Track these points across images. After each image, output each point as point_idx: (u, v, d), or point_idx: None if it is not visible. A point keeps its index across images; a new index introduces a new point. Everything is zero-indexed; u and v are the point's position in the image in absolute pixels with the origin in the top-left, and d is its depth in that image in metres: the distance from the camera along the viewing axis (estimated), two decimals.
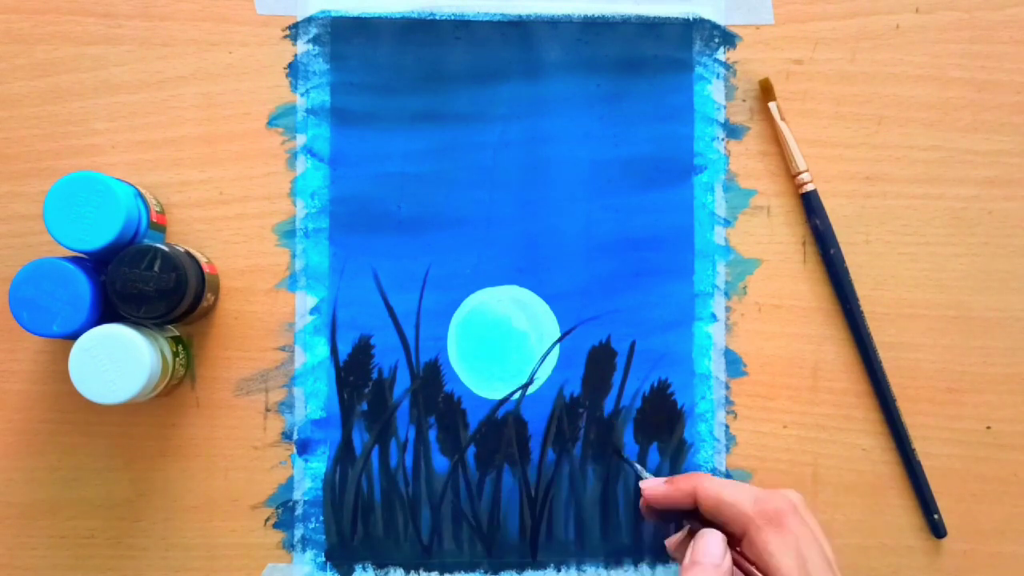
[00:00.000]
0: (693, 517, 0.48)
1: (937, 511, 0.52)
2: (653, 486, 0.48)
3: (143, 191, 0.49)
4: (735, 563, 0.44)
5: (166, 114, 0.51)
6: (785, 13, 0.53)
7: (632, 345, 0.52)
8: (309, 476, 0.51)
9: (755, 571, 0.43)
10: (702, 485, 0.46)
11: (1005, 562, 0.52)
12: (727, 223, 0.53)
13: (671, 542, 0.49)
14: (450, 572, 0.52)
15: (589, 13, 0.52)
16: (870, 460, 0.52)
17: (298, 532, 0.51)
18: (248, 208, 0.52)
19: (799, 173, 0.52)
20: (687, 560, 0.44)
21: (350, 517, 0.51)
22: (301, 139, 0.52)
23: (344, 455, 0.52)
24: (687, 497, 0.47)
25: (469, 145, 0.52)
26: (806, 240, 0.53)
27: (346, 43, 0.52)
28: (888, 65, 0.53)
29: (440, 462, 0.52)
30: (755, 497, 0.45)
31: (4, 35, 0.51)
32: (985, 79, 0.53)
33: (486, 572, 0.52)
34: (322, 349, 0.52)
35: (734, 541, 0.45)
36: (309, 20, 0.52)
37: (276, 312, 0.52)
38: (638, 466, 0.51)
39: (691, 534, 0.47)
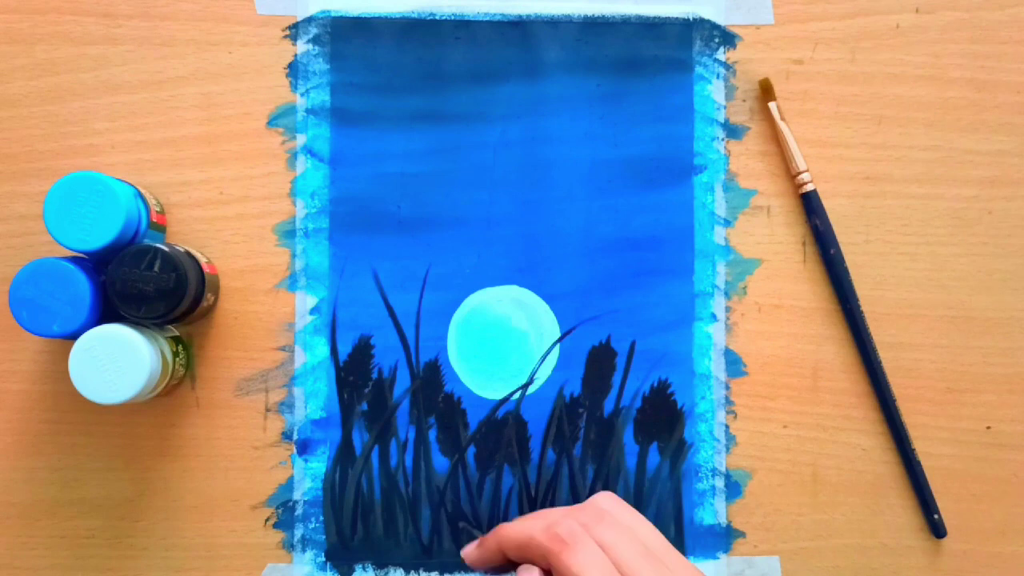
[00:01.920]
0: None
1: (937, 511, 0.52)
2: (468, 552, 0.47)
3: (143, 191, 0.49)
4: None
5: (166, 114, 0.51)
6: (785, 13, 0.53)
7: (632, 345, 0.52)
8: (309, 476, 0.51)
9: None
10: (503, 536, 0.45)
11: (1005, 562, 0.52)
12: (727, 223, 0.53)
13: (467, 553, 0.48)
14: (450, 572, 0.52)
15: (589, 13, 0.52)
16: (870, 460, 0.52)
17: (298, 532, 0.51)
18: (248, 208, 0.52)
19: (799, 173, 0.52)
20: None
21: (350, 517, 0.52)
22: (301, 139, 0.52)
23: (344, 455, 0.52)
24: (497, 554, 0.45)
25: (469, 145, 0.52)
26: (806, 240, 0.53)
27: (346, 43, 0.52)
28: (888, 65, 0.53)
29: (440, 462, 0.52)
30: (546, 525, 0.43)
31: (4, 35, 0.51)
32: (985, 79, 0.53)
33: (486, 572, 0.52)
34: (322, 349, 0.52)
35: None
36: (309, 20, 0.52)
37: (276, 312, 0.52)
38: (471, 530, 0.51)
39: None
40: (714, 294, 0.52)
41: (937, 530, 0.52)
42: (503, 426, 0.52)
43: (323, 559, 0.51)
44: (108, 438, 0.51)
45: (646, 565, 0.42)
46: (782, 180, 0.53)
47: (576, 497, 0.52)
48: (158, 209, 0.50)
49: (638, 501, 0.52)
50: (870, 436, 0.52)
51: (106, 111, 0.51)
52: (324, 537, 0.51)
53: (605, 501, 0.45)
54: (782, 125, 0.52)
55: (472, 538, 0.50)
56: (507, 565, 0.46)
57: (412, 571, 0.52)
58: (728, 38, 0.53)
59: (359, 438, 0.52)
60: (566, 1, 0.52)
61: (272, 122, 0.52)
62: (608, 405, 0.52)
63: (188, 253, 0.48)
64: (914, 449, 0.52)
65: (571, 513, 0.44)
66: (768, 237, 0.53)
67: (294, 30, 0.52)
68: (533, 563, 0.44)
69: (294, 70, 0.52)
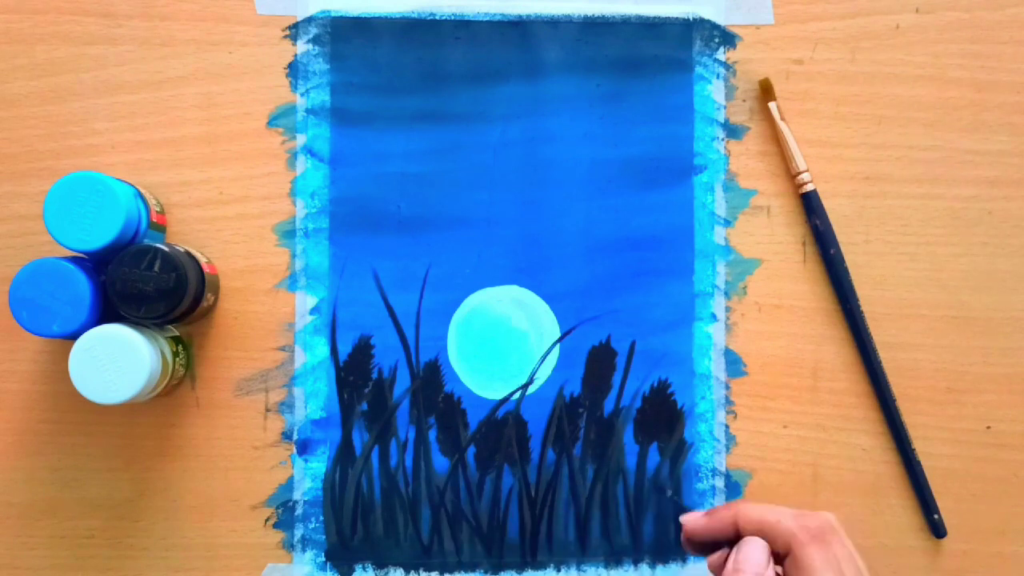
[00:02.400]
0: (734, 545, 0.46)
1: (937, 511, 0.52)
2: (693, 520, 0.46)
3: (143, 191, 0.49)
4: None
5: (166, 114, 0.51)
6: (785, 13, 0.53)
7: (632, 345, 0.52)
8: (309, 476, 0.51)
9: None
10: (743, 512, 0.45)
11: (1005, 562, 0.52)
12: (727, 223, 0.53)
13: (714, 561, 0.47)
14: (450, 572, 0.52)
15: (589, 13, 0.52)
16: (870, 460, 0.52)
17: (298, 532, 0.51)
18: (248, 208, 0.52)
19: (799, 173, 0.52)
20: (729, 567, 0.43)
21: (350, 517, 0.52)
22: (301, 139, 0.52)
23: (344, 455, 0.52)
24: (728, 527, 0.45)
25: (469, 145, 0.52)
26: (806, 240, 0.53)
27: (346, 43, 0.52)
28: (888, 65, 0.53)
29: (440, 462, 0.52)
30: (796, 514, 0.44)
31: (4, 35, 0.51)
32: (985, 79, 0.53)
33: (486, 572, 0.52)
34: (322, 349, 0.52)
35: (776, 559, 0.44)
36: (309, 20, 0.52)
37: (276, 312, 0.52)
38: (677, 499, 0.51)
39: (730, 546, 0.46)
40: (714, 294, 0.52)
41: (937, 530, 0.52)
42: (503, 426, 0.52)
43: (323, 559, 0.51)
44: (108, 438, 0.51)
45: None
46: (782, 180, 0.53)
47: (576, 497, 0.52)
48: (158, 209, 0.50)
49: (638, 501, 0.52)
50: (870, 436, 0.52)
51: (106, 111, 0.51)
52: (324, 537, 0.51)
53: (834, 518, 0.45)
54: (782, 125, 0.52)
55: (679, 505, 0.50)
56: (716, 544, 0.46)
57: (412, 571, 0.52)
58: (728, 38, 0.53)
59: (359, 438, 0.52)
60: (566, 1, 0.52)
61: (272, 122, 0.52)
62: (608, 405, 0.52)
63: (188, 253, 0.48)
64: (914, 449, 0.52)
65: (808, 515, 0.44)
66: (768, 237, 0.53)
67: (294, 30, 0.52)
68: (773, 546, 0.44)
69: (294, 70, 0.52)
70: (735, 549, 0.44)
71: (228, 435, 0.51)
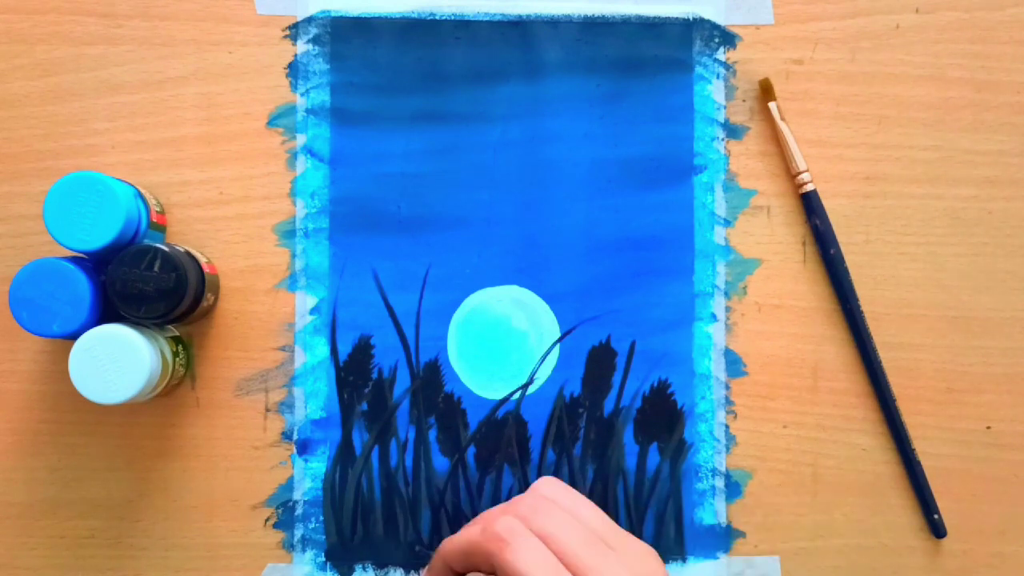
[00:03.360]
0: None
1: (937, 511, 0.52)
2: None
3: (143, 191, 0.49)
4: None
5: (166, 114, 0.51)
6: (785, 13, 0.53)
7: (632, 345, 0.52)
8: (309, 476, 0.51)
9: None
10: (443, 552, 0.44)
11: (1005, 562, 0.52)
12: (727, 223, 0.53)
13: None
14: None
15: (589, 13, 0.52)
16: (870, 460, 0.52)
17: (298, 532, 0.51)
18: (248, 208, 0.52)
19: (799, 173, 0.52)
20: None
21: (350, 517, 0.52)
22: (301, 139, 0.52)
23: (344, 455, 0.52)
24: (447, 572, 0.44)
25: (469, 145, 0.52)
26: (806, 240, 0.53)
27: (346, 43, 0.52)
28: (888, 65, 0.53)
29: (440, 462, 0.52)
30: (484, 526, 0.42)
31: (4, 35, 0.51)
32: (985, 79, 0.53)
33: (486, 573, 0.52)
34: (322, 349, 0.52)
35: None
36: (309, 20, 0.52)
37: (276, 312, 0.52)
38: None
39: None
40: (714, 294, 0.52)
41: (937, 530, 0.52)
42: (503, 426, 0.52)
43: (323, 559, 0.51)
44: (108, 438, 0.51)
45: (590, 551, 0.40)
46: (782, 180, 0.53)
47: None
48: (158, 209, 0.50)
49: (638, 501, 0.52)
50: (870, 436, 0.52)
51: (106, 111, 0.51)
52: (324, 537, 0.51)
53: (546, 487, 0.44)
54: (782, 125, 0.52)
55: (426, 562, 0.48)
56: None
57: (412, 571, 0.52)
58: (728, 38, 0.53)
59: (359, 438, 0.52)
60: (566, 1, 0.52)
61: (272, 122, 0.52)
62: (608, 405, 0.52)
63: (188, 253, 0.48)
64: (914, 449, 0.52)
65: (509, 508, 0.43)
66: (768, 237, 0.53)
67: (294, 30, 0.52)
68: (479, 571, 0.42)
69: (294, 70, 0.52)
70: None
71: (228, 435, 0.51)
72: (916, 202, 0.53)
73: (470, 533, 0.42)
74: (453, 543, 0.43)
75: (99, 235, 0.46)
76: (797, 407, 0.52)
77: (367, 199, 0.52)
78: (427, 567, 0.46)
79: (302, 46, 0.52)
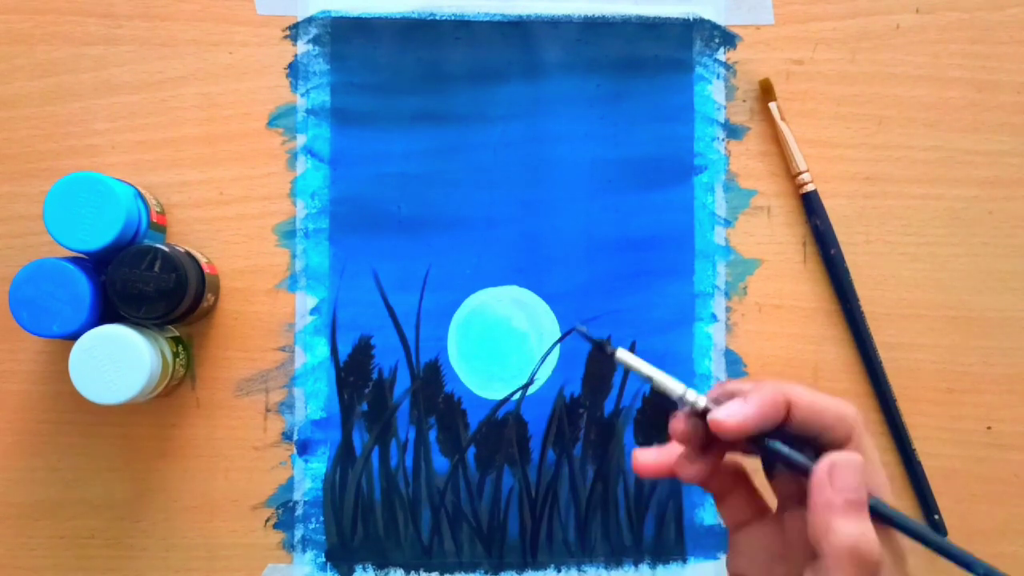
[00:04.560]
0: (788, 453, 0.38)
1: (937, 511, 0.52)
2: (740, 413, 0.36)
3: (143, 191, 0.49)
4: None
5: (166, 114, 0.51)
6: (785, 13, 0.53)
7: (632, 345, 0.52)
8: (309, 476, 0.51)
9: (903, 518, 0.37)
10: (796, 396, 0.37)
11: (1005, 562, 0.52)
12: (727, 223, 0.53)
13: (649, 467, 0.40)
14: (450, 573, 0.52)
15: (589, 13, 0.52)
16: None
17: (298, 532, 0.51)
18: (248, 208, 0.51)
19: (799, 173, 0.52)
20: (831, 500, 0.36)
21: (350, 517, 0.51)
22: (301, 139, 0.52)
23: (344, 455, 0.52)
24: (778, 413, 0.37)
25: (469, 145, 0.52)
26: (806, 240, 0.53)
27: (346, 43, 0.52)
28: (888, 65, 0.53)
29: (440, 462, 0.52)
30: (844, 401, 0.38)
31: (4, 35, 0.51)
32: (985, 79, 0.53)
33: (486, 573, 0.52)
34: (322, 349, 0.52)
35: (830, 448, 0.38)
36: (309, 20, 0.52)
37: (276, 312, 0.52)
38: (662, 377, 0.39)
39: (770, 466, 0.39)
40: (714, 294, 0.52)
41: (937, 530, 0.52)
42: (503, 426, 0.52)
43: (323, 559, 0.51)
44: (108, 438, 0.51)
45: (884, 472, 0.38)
46: (782, 180, 0.53)
47: (577, 497, 0.52)
48: (158, 209, 0.50)
49: (638, 501, 0.52)
50: (870, 436, 0.52)
51: (106, 111, 0.51)
52: (324, 537, 0.51)
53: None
54: (782, 125, 0.52)
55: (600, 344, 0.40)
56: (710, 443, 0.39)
57: (412, 571, 0.52)
58: (728, 38, 0.53)
59: (359, 438, 0.52)
60: (566, 1, 0.52)
61: (272, 122, 0.52)
62: (608, 405, 0.52)
63: (188, 253, 0.48)
64: (914, 449, 0.52)
65: (846, 403, 0.38)
66: (768, 237, 0.53)
67: (294, 30, 0.52)
68: (816, 436, 0.37)
69: (294, 70, 0.52)
70: (828, 476, 0.36)
71: (228, 435, 0.51)
72: (916, 202, 0.53)
73: (835, 403, 0.38)
74: (808, 396, 0.38)
75: (99, 235, 0.45)
76: None
77: (367, 199, 0.52)
78: (740, 383, 0.38)
79: (302, 46, 0.52)
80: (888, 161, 0.53)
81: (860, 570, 0.35)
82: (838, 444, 0.38)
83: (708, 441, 0.38)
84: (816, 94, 0.53)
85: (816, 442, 0.38)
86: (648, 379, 0.38)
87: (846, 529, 0.35)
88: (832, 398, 0.38)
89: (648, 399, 0.52)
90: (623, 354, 0.39)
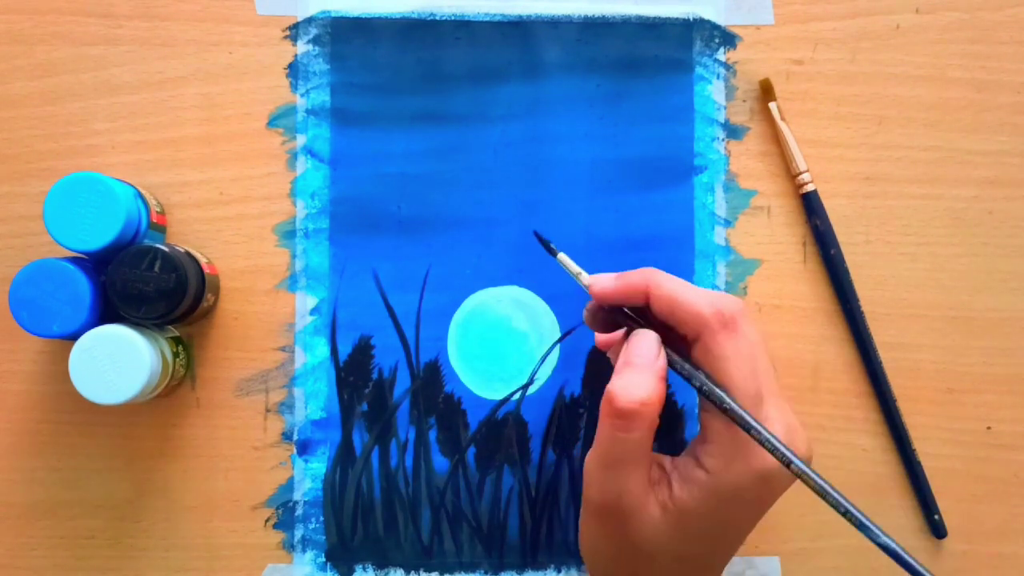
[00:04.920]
0: (639, 319, 0.44)
1: (937, 511, 0.52)
2: (604, 283, 0.43)
3: (143, 191, 0.49)
4: (673, 366, 0.42)
5: (166, 114, 0.51)
6: (785, 13, 0.53)
7: None
8: (309, 476, 0.51)
9: (696, 374, 0.41)
10: (655, 282, 0.42)
11: (1005, 562, 0.52)
12: (727, 223, 0.53)
13: (604, 341, 0.47)
14: (450, 573, 0.52)
15: (589, 13, 0.52)
16: (870, 460, 0.52)
17: (298, 532, 0.51)
18: (248, 208, 0.52)
19: (799, 173, 0.52)
20: (620, 361, 0.42)
21: (350, 517, 0.51)
22: (301, 139, 0.52)
23: (344, 455, 0.52)
24: (639, 294, 0.43)
25: (469, 145, 0.52)
26: (806, 240, 0.53)
27: (346, 43, 0.52)
28: (888, 65, 0.53)
29: (440, 462, 0.52)
30: (708, 298, 0.42)
31: (4, 35, 0.51)
32: (985, 79, 0.53)
33: (486, 573, 0.52)
34: (322, 349, 0.52)
35: (685, 344, 0.42)
36: (309, 20, 0.52)
37: (276, 312, 0.52)
38: (575, 267, 0.45)
39: (626, 337, 0.44)
40: None
41: (937, 530, 0.52)
42: (503, 426, 0.52)
43: (323, 559, 0.51)
44: (108, 438, 0.51)
45: (773, 383, 0.42)
46: (782, 180, 0.53)
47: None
48: (158, 209, 0.50)
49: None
50: (870, 436, 0.52)
51: (106, 111, 0.51)
52: (324, 537, 0.51)
53: (744, 306, 0.43)
54: (782, 125, 0.52)
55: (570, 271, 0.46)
56: (618, 318, 0.44)
57: (412, 572, 0.52)
58: (728, 38, 0.53)
59: (359, 438, 0.52)
60: (566, 1, 0.52)
61: (272, 122, 0.52)
62: None
63: (188, 253, 0.48)
64: (914, 449, 0.52)
65: (727, 298, 0.42)
66: (768, 237, 0.53)
67: (294, 30, 0.52)
68: (674, 327, 0.42)
69: (294, 70, 0.52)
70: (626, 342, 0.42)
71: (228, 435, 0.51)
72: (916, 202, 0.53)
73: (692, 295, 0.42)
74: (669, 285, 0.43)
75: (99, 235, 0.45)
76: (797, 407, 0.52)
77: (367, 199, 0.52)
78: (611, 275, 0.44)
79: (302, 46, 0.52)
80: (888, 161, 0.53)
81: (611, 418, 0.41)
82: (691, 339, 0.42)
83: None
84: (816, 94, 0.53)
85: (678, 332, 0.42)
86: (576, 275, 0.45)
87: (611, 383, 0.41)
88: (692, 294, 0.42)
89: None
90: (563, 258, 0.45)
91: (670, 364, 0.42)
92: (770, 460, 0.40)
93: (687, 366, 0.42)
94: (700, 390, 0.41)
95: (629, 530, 0.42)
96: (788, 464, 0.39)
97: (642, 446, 0.41)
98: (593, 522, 0.44)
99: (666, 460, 0.43)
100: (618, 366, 0.42)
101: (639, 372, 0.41)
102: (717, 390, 0.41)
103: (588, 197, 0.52)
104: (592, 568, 0.45)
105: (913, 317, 0.53)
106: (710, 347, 0.41)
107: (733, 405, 0.40)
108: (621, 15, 0.53)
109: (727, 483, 0.41)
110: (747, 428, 0.40)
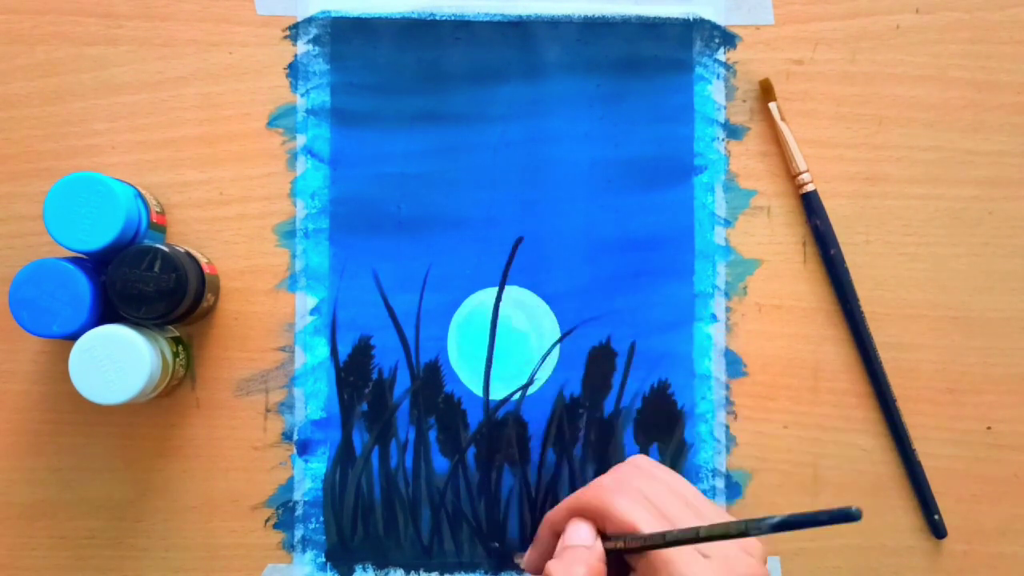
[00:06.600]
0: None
1: (937, 511, 0.52)
2: (526, 560, 0.47)
3: (143, 191, 0.49)
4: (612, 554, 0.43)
5: (166, 114, 0.51)
6: (785, 13, 0.53)
7: (632, 345, 0.52)
8: (309, 476, 0.51)
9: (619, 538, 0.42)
10: (549, 520, 0.45)
11: (1005, 562, 0.52)
12: (727, 223, 0.53)
13: (525, 560, 0.48)
14: (450, 573, 0.52)
15: (589, 13, 0.52)
16: (870, 460, 0.52)
17: (298, 532, 0.51)
18: (248, 208, 0.52)
19: (799, 173, 0.52)
20: (558, 548, 0.43)
21: (350, 518, 0.51)
22: (301, 139, 0.52)
23: (344, 455, 0.52)
24: (550, 539, 0.45)
25: (469, 145, 0.52)
26: (806, 240, 0.53)
27: (346, 43, 0.52)
28: (888, 65, 0.53)
29: (440, 462, 0.52)
30: (589, 487, 0.44)
31: (4, 35, 0.51)
32: (985, 79, 0.53)
33: (486, 573, 0.52)
34: (322, 349, 0.52)
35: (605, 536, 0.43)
36: (309, 20, 0.52)
37: (276, 312, 0.52)
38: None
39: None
40: (714, 294, 0.52)
41: (937, 530, 0.52)
42: (503, 427, 0.52)
43: (323, 559, 0.51)
44: (108, 438, 0.51)
45: (686, 511, 0.43)
46: (782, 180, 0.53)
47: None
48: (158, 210, 0.50)
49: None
50: (870, 436, 0.52)
51: (106, 111, 0.51)
52: (324, 538, 0.51)
53: (641, 460, 0.46)
54: (782, 125, 0.52)
55: (514, 562, 0.50)
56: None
57: (412, 572, 0.52)
58: (728, 38, 0.53)
59: (359, 438, 0.52)
60: (566, 1, 0.52)
61: (272, 122, 0.52)
62: (608, 406, 0.52)
63: (188, 253, 0.48)
64: (914, 449, 0.52)
65: (611, 472, 0.45)
66: (768, 237, 0.53)
67: (294, 30, 0.52)
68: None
69: (294, 70, 0.52)
70: (563, 532, 0.43)
71: (228, 435, 0.51)
72: (916, 202, 0.53)
73: (576, 495, 0.44)
74: (558, 508, 0.45)
75: (99, 235, 0.45)
76: (797, 407, 0.52)
77: (367, 199, 0.52)
78: (532, 544, 0.47)
79: (302, 46, 0.52)
80: (888, 161, 0.53)
81: None
82: (599, 525, 0.43)
83: None
84: (816, 94, 0.53)
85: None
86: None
87: (548, 565, 0.42)
88: (574, 495, 0.44)
89: (648, 399, 0.52)
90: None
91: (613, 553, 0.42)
92: (672, 554, 0.41)
93: (618, 543, 0.42)
94: (627, 549, 0.41)
95: None
96: (664, 541, 0.40)
97: None
98: None
99: None
100: (557, 552, 0.43)
101: (579, 554, 0.42)
102: (631, 534, 0.41)
103: (588, 197, 0.52)
104: None
105: (913, 317, 0.53)
106: (611, 512, 0.42)
107: (643, 534, 0.41)
108: (621, 15, 0.53)
109: None
110: (655, 545, 0.40)
